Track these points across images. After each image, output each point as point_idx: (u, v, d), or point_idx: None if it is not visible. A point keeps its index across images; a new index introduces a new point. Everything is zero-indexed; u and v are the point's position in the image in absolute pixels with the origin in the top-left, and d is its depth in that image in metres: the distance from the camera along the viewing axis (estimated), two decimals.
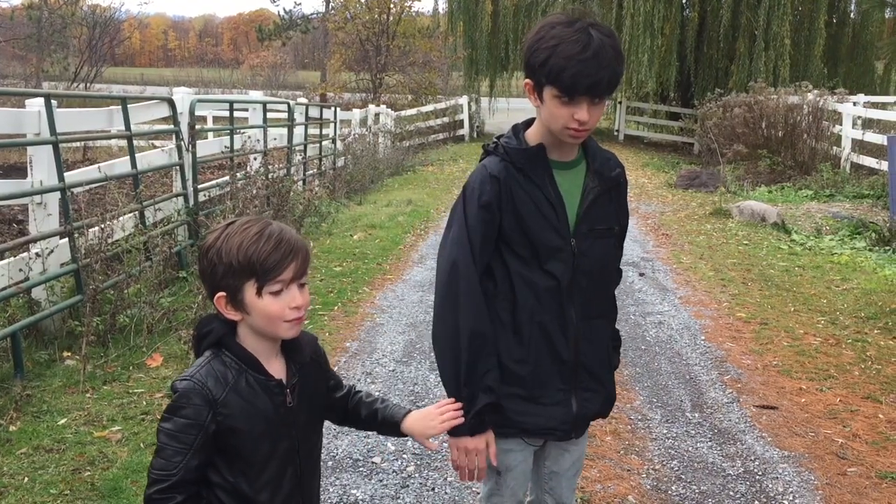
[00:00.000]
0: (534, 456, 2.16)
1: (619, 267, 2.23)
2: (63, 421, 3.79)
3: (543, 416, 2.02)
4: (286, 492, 1.68)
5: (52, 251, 4.76)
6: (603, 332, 2.10)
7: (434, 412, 1.88)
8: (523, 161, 1.96)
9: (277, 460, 1.66)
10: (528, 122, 2.05)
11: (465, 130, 22.91)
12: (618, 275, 2.23)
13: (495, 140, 2.04)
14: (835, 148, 13.91)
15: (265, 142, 8.84)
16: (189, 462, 1.57)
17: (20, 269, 4.60)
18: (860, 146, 13.33)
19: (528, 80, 1.94)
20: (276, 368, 1.70)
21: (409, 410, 1.89)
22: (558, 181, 1.97)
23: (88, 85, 27.36)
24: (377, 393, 1.94)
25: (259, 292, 1.61)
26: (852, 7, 21.67)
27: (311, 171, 11.67)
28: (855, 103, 14.31)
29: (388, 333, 5.44)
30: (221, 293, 1.63)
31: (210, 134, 8.71)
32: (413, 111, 22.67)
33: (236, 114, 8.53)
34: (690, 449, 3.78)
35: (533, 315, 1.98)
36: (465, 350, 1.93)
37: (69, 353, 4.61)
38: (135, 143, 5.97)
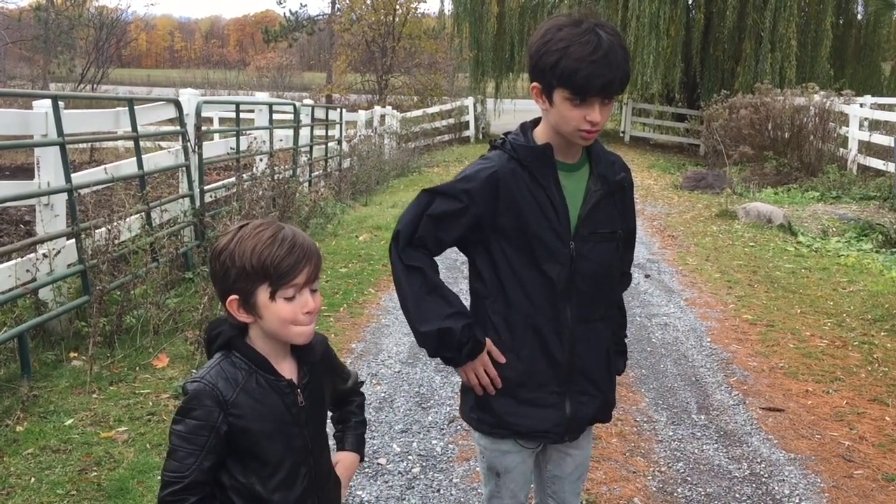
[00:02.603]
0: (535, 459, 2.16)
1: (626, 271, 2.21)
2: (70, 421, 3.80)
3: (536, 418, 2.01)
4: (300, 492, 1.68)
5: (58, 252, 4.77)
6: (602, 335, 2.07)
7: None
8: (530, 159, 1.95)
9: (291, 460, 1.66)
10: (537, 122, 2.04)
11: (470, 132, 22.90)
12: (625, 279, 2.21)
13: (503, 136, 2.04)
14: (841, 149, 13.88)
15: (271, 143, 8.86)
16: (202, 463, 1.58)
17: (27, 270, 4.62)
18: (867, 148, 13.30)
19: (535, 84, 1.93)
20: (287, 369, 1.70)
21: (352, 450, 1.90)
22: (562, 183, 1.96)
23: (95, 86, 27.45)
24: (358, 418, 1.96)
25: (272, 296, 1.61)
26: (859, 8, 21.63)
27: (316, 173, 11.68)
28: (862, 105, 14.27)
29: (393, 335, 5.44)
30: (234, 296, 1.63)
31: (216, 135, 8.72)
32: (418, 112, 22.69)
33: (242, 115, 8.55)
34: (696, 451, 3.77)
35: (527, 316, 1.97)
36: (410, 299, 1.97)
37: (76, 354, 4.63)
38: (141, 144, 5.99)
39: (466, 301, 2.08)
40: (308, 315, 1.64)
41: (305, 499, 1.69)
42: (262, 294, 1.61)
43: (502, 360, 1.99)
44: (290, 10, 37.04)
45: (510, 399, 2.01)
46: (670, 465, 3.62)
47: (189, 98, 6.91)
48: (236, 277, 1.62)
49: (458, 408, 4.16)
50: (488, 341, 1.99)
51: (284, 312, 1.62)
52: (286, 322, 1.63)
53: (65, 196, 4.84)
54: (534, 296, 1.97)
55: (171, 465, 1.58)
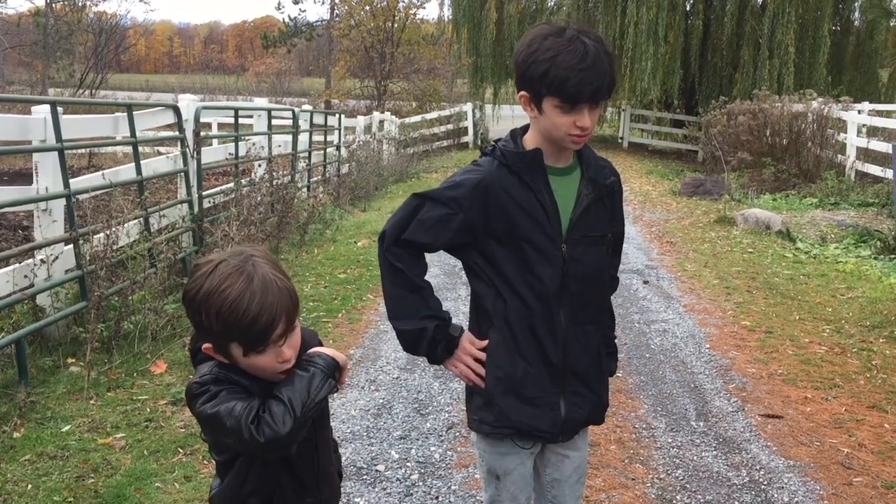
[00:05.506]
0: (534, 464, 2.17)
1: (614, 275, 2.25)
2: (67, 428, 3.79)
3: (536, 416, 2.04)
4: (299, 485, 1.69)
5: (56, 257, 4.77)
6: (594, 337, 2.10)
7: None
8: (520, 165, 1.98)
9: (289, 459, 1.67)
10: (527, 128, 2.07)
11: (469, 138, 22.92)
12: (613, 282, 2.24)
13: (493, 143, 2.06)
14: (839, 156, 13.91)
15: (269, 149, 8.86)
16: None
17: (25, 276, 4.61)
18: (865, 154, 13.33)
19: (523, 93, 1.96)
20: None
21: None
22: (553, 187, 1.99)
23: (94, 91, 27.47)
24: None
25: (245, 353, 1.61)
26: (856, 16, 21.71)
27: (315, 178, 11.68)
28: (860, 111, 14.32)
29: (391, 341, 5.42)
30: (208, 344, 1.64)
31: (215, 141, 8.75)
32: (417, 118, 22.71)
33: (241, 121, 8.55)
34: (695, 458, 3.76)
35: (523, 318, 2.00)
36: (391, 296, 2.11)
37: (73, 360, 4.62)
38: (140, 149, 5.99)
39: (467, 305, 2.09)
40: (285, 363, 1.64)
41: (305, 495, 1.68)
42: (235, 349, 1.61)
43: (482, 344, 2.04)
44: (289, 16, 37.06)
45: (513, 397, 2.03)
46: (669, 472, 3.61)
47: (188, 103, 6.91)
48: (207, 332, 1.61)
49: (456, 414, 4.16)
50: (468, 334, 2.06)
51: (260, 363, 1.62)
52: (263, 370, 1.63)
53: (63, 201, 4.84)
54: (527, 298, 1.99)
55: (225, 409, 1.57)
